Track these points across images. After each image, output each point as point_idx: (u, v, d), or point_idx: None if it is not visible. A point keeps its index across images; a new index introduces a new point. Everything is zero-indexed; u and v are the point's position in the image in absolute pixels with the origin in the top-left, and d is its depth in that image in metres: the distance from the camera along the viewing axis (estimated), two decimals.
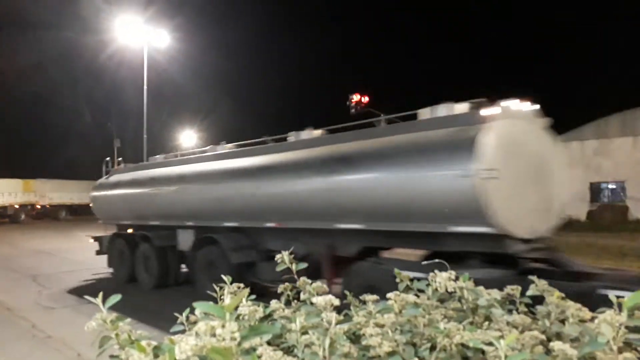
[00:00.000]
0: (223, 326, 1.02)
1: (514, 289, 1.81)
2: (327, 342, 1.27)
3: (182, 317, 1.63)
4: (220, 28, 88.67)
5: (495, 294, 1.59)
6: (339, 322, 1.34)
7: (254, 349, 1.24)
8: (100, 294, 1.33)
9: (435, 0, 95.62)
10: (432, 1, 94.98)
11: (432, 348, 1.44)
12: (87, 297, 1.40)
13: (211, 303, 1.17)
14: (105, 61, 31.97)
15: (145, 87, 23.62)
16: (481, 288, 1.62)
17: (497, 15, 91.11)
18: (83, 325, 1.27)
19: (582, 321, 1.55)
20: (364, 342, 1.48)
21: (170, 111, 54.45)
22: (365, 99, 24.47)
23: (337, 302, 1.43)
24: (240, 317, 1.52)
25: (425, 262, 2.08)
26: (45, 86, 51.16)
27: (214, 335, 1.01)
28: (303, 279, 2.04)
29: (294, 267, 2.24)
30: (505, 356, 1.14)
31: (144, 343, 1.12)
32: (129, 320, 1.33)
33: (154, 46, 24.36)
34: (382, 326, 1.55)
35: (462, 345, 1.34)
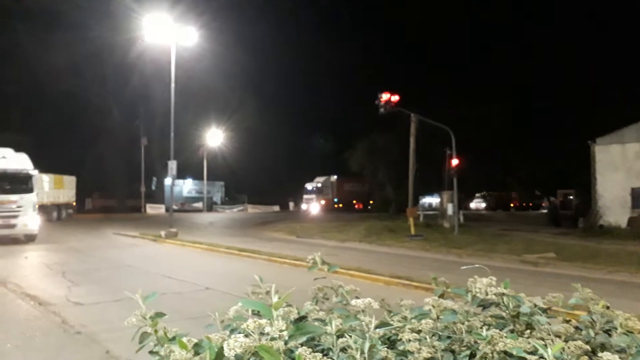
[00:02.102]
0: (271, 325, 1.02)
1: (555, 297, 1.75)
2: (367, 346, 1.25)
3: (215, 316, 1.63)
4: (247, 25, 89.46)
5: (538, 301, 1.54)
6: (377, 326, 1.32)
7: (291, 351, 1.23)
8: (139, 291, 1.35)
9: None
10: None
11: (472, 355, 1.40)
12: (126, 292, 1.42)
13: (258, 301, 1.17)
14: (133, 60, 32.55)
15: (172, 85, 23.92)
16: (523, 295, 1.58)
17: (529, 16, 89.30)
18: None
19: (630, 332, 1.49)
20: (400, 348, 1.46)
21: (197, 109, 55.21)
22: (395, 98, 24.10)
23: (376, 305, 1.41)
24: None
25: (464, 267, 2.04)
26: (75, 85, 52.50)
27: (262, 333, 1.01)
28: (336, 282, 2.02)
29: (326, 269, 2.23)
30: None
31: (184, 340, 1.13)
32: (167, 317, 1.34)
33: (182, 44, 24.62)
34: (419, 332, 1.52)
35: (505, 353, 1.30)
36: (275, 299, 1.17)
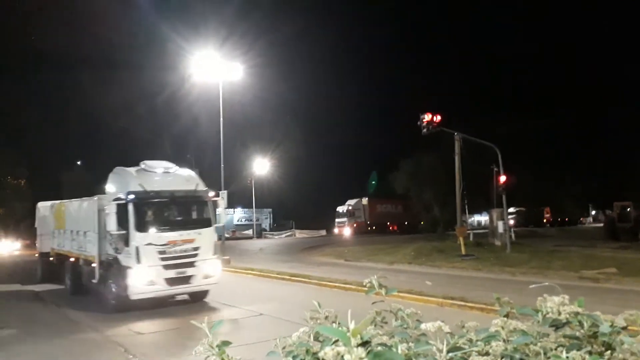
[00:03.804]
0: (350, 352, 1.00)
1: (633, 315, 1.64)
2: None
3: (277, 342, 1.62)
4: (290, 60, 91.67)
5: (619, 319, 1.45)
6: (449, 351, 1.28)
7: None
8: (206, 319, 1.36)
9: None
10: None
11: None
12: (193, 321, 1.43)
13: (333, 327, 1.15)
14: (183, 95, 33.90)
15: (221, 119, 24.79)
16: (598, 313, 1.49)
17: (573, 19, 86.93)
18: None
19: None
20: None
21: (243, 141, 56.55)
22: (438, 118, 23.93)
23: (447, 329, 1.36)
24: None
25: (533, 286, 1.96)
26: (131, 122, 55.16)
27: None
28: (395, 304, 1.98)
29: (384, 292, 2.19)
30: None
31: None
32: (231, 343, 1.34)
33: (229, 79, 25.64)
34: (486, 354, 1.46)
35: None
36: (352, 325, 1.14)
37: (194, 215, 13.32)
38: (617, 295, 11.07)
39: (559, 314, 1.46)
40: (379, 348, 1.65)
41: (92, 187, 22.83)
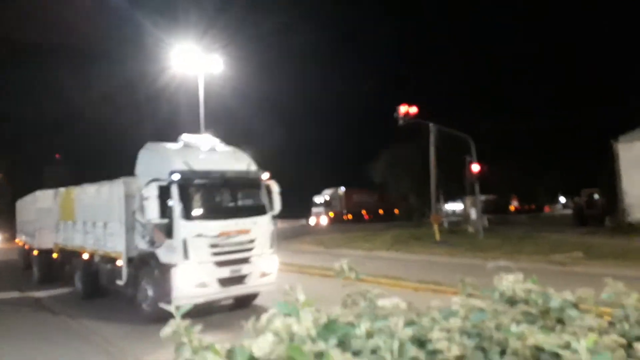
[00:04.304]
0: (299, 323, 1.04)
1: (586, 292, 1.73)
2: (396, 345, 1.26)
3: (250, 323, 1.65)
4: (271, 53, 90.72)
5: (568, 295, 1.53)
6: (405, 326, 1.33)
7: (322, 354, 1.25)
8: (174, 302, 1.38)
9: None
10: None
11: (502, 352, 1.40)
12: (161, 304, 1.45)
13: (288, 303, 1.19)
14: (164, 88, 33.49)
15: (201, 111, 24.75)
16: (552, 290, 1.57)
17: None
18: None
19: None
20: (430, 347, 1.46)
21: (224, 135, 56.13)
22: (414, 110, 24.26)
23: (404, 305, 1.42)
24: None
25: (490, 265, 2.04)
26: (111, 115, 54.02)
27: (291, 333, 1.03)
28: (366, 287, 2.04)
29: (353, 276, 2.25)
30: None
31: (217, 347, 1.16)
32: (200, 327, 1.38)
33: (209, 72, 25.61)
34: (448, 331, 1.52)
35: (536, 348, 1.30)
36: (302, 298, 1.19)
37: (248, 201, 11.06)
38: (583, 278, 11.45)
39: (514, 291, 1.53)
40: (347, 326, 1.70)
41: (72, 180, 22.00)
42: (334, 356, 1.15)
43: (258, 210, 10.66)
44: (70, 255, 13.90)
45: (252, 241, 10.16)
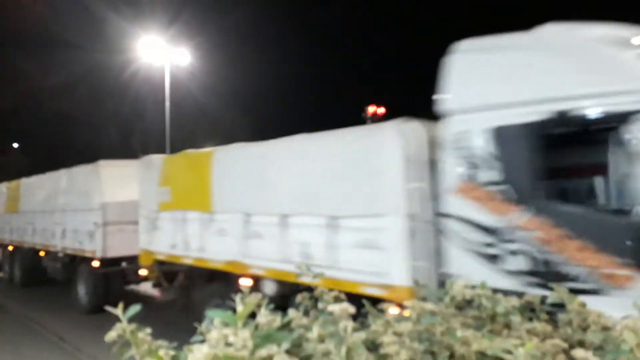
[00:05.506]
0: (236, 334, 1.03)
1: (533, 297, 1.78)
2: (344, 350, 1.27)
3: (201, 328, 1.64)
4: (239, 46, 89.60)
5: (514, 301, 1.57)
6: (355, 330, 1.34)
7: (270, 358, 1.24)
8: (121, 305, 1.35)
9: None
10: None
11: (451, 356, 1.42)
12: (107, 307, 1.42)
13: (226, 311, 1.18)
14: (129, 80, 32.76)
15: (167, 104, 24.19)
16: (499, 295, 1.60)
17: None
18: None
19: (606, 329, 1.51)
20: (381, 351, 1.47)
21: (191, 128, 55.20)
22: (381, 110, 24.59)
23: (352, 310, 1.43)
24: (258, 327, 1.52)
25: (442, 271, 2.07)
26: (72, 104, 52.35)
27: (228, 344, 1.02)
28: (321, 288, 2.04)
29: (312, 277, 2.25)
30: None
31: (162, 352, 1.14)
32: (149, 330, 1.35)
33: (176, 64, 25.06)
34: (399, 334, 1.54)
35: (481, 353, 1.32)
36: (240, 308, 1.18)
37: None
38: None
39: (464, 295, 1.56)
40: (300, 330, 1.70)
41: (31, 170, 20.87)
42: None
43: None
44: None
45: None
